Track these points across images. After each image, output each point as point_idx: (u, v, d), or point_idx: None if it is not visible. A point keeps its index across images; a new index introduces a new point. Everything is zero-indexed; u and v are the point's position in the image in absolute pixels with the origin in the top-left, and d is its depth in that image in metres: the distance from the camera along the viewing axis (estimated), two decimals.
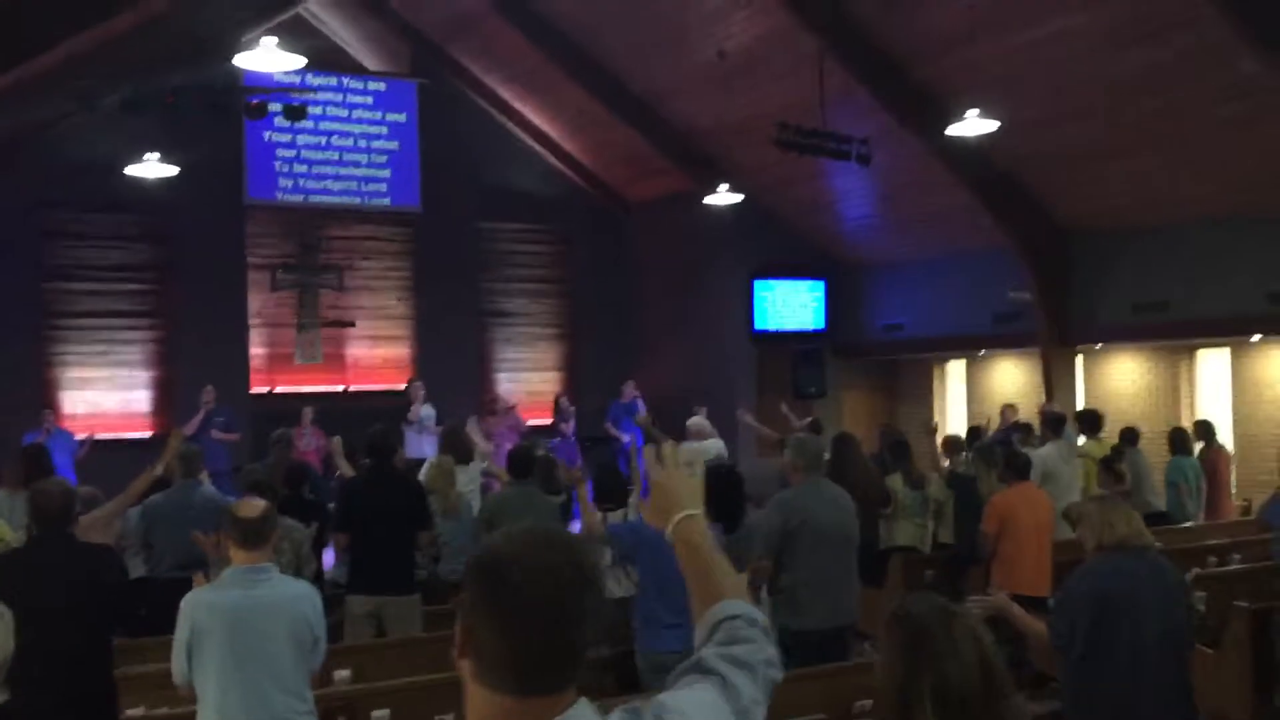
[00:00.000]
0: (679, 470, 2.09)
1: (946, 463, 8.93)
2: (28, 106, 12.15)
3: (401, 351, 16.30)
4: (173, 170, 12.69)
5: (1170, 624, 4.13)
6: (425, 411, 13.40)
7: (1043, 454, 8.88)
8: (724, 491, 5.23)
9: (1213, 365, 13.27)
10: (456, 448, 8.57)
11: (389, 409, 13.12)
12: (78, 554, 4.64)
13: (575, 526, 7.34)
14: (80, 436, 12.18)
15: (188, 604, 4.16)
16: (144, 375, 14.65)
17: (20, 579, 4.36)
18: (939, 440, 9.69)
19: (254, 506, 4.32)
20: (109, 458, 11.58)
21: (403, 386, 14.65)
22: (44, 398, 13.65)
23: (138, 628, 5.40)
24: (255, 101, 11.03)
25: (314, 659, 4.35)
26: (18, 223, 13.62)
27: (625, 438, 14.03)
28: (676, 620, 5.11)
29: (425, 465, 8.57)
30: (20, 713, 3.34)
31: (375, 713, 5.02)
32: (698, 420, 10.58)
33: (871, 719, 5.05)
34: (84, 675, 4.43)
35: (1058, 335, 13.15)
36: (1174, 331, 12.39)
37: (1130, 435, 9.99)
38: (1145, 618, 4.06)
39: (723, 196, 14.03)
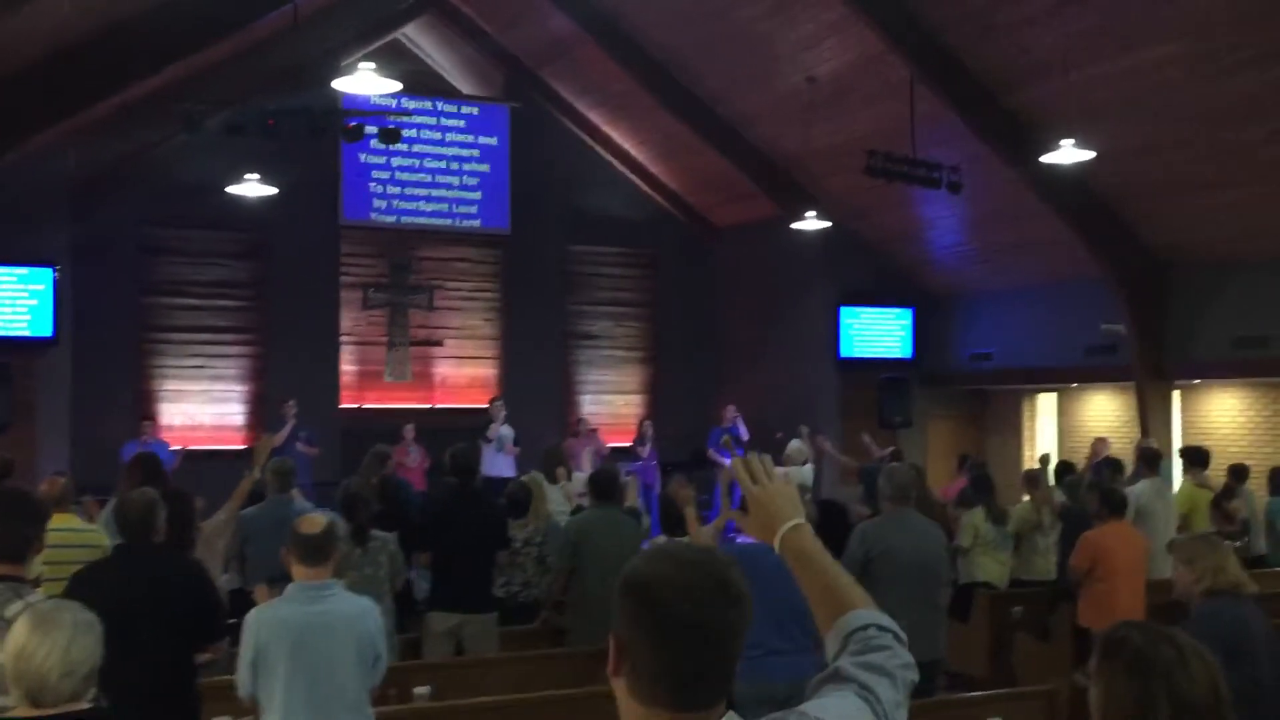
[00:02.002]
0: (774, 481, 2.08)
1: (1056, 494, 8.75)
2: (134, 128, 12.62)
3: (488, 371, 16.49)
4: (272, 190, 13.04)
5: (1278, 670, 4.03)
6: (504, 431, 13.51)
7: (1137, 491, 8.65)
8: (829, 525, 5.23)
9: None
10: (551, 467, 8.64)
11: (474, 427, 13.28)
12: (164, 565, 4.67)
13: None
14: (175, 448, 12.51)
15: (252, 620, 4.20)
16: (238, 389, 15.03)
17: (103, 589, 4.44)
18: (1030, 473, 9.48)
19: (316, 523, 4.34)
20: (204, 469, 11.89)
21: (487, 405, 14.80)
22: (142, 409, 14.06)
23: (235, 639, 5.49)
24: (352, 124, 11.27)
25: (375, 675, 4.36)
26: (122, 239, 14.12)
27: (726, 461, 13.98)
28: (784, 646, 5.06)
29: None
30: None
31: None
32: (797, 444, 10.51)
33: None
34: (165, 686, 4.44)
35: (1153, 369, 12.81)
36: (1276, 368, 11.99)
37: (1240, 472, 9.67)
38: (1258, 663, 3.95)
39: (810, 223, 13.96)
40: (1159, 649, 2.18)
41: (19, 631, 2.81)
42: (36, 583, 5.26)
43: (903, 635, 1.90)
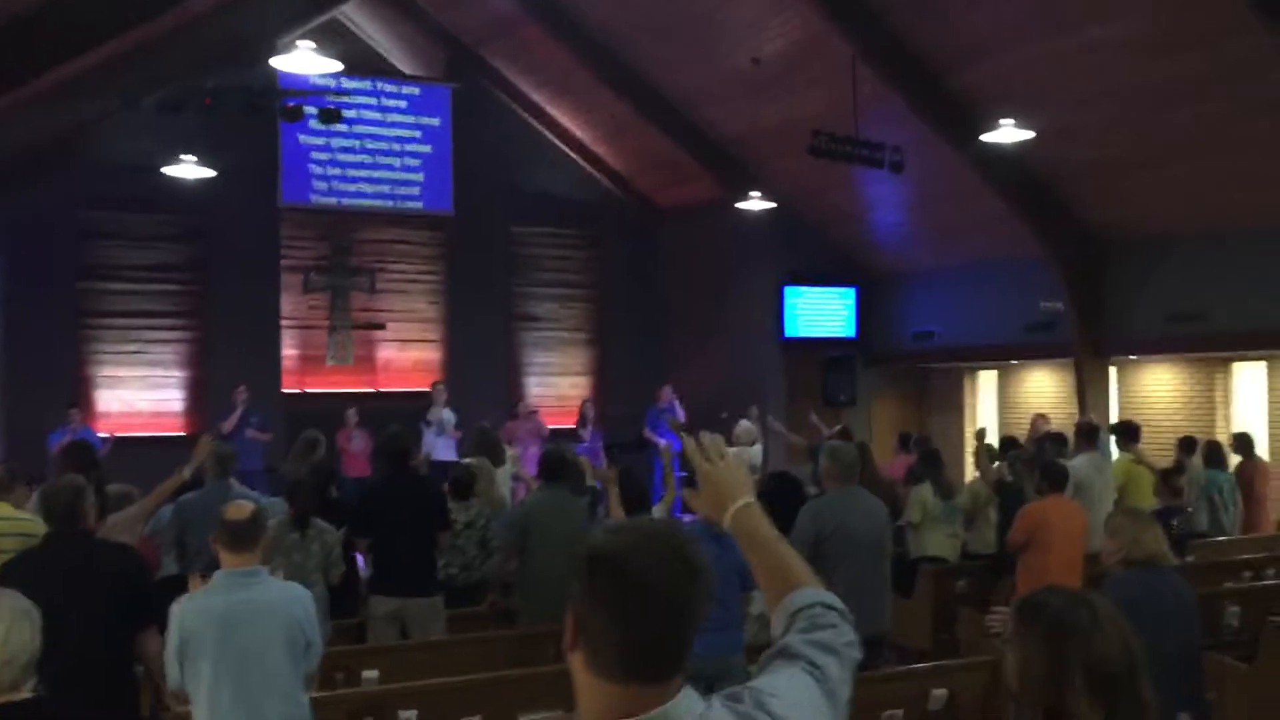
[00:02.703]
0: (725, 461, 2.09)
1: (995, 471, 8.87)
2: (69, 106, 12.31)
3: (431, 355, 16.37)
4: (210, 172, 12.81)
5: (1187, 640, 4.21)
6: (445, 414, 13.44)
7: (1076, 465, 8.80)
8: (783, 497, 5.29)
9: (1250, 378, 13.12)
10: (489, 450, 8.60)
11: (418, 411, 13.20)
12: (91, 553, 4.59)
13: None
14: (103, 435, 12.27)
15: (177, 610, 4.13)
16: (177, 375, 14.79)
17: (31, 579, 4.36)
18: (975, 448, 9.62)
19: (243, 509, 4.29)
20: (141, 456, 11.69)
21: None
22: (77, 396, 13.79)
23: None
24: (291, 104, 11.10)
25: (307, 662, 4.31)
26: (56, 221, 13.80)
27: (663, 442, 14.04)
28: (707, 624, 5.06)
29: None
30: (64, 712, 3.36)
31: (403, 713, 5.03)
32: (746, 425, 10.55)
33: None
34: (101, 674, 4.38)
35: (1091, 346, 13.04)
36: (1210, 343, 12.26)
37: (1189, 445, 9.86)
38: (1165, 632, 4.07)
39: (755, 203, 14.01)
40: (1075, 613, 2.21)
41: None
42: None
43: (848, 614, 1.93)
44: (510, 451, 10.11)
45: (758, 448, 10.22)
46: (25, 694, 2.76)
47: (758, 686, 1.76)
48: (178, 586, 6.19)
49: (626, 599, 1.61)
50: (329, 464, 8.92)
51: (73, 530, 4.57)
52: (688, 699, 1.65)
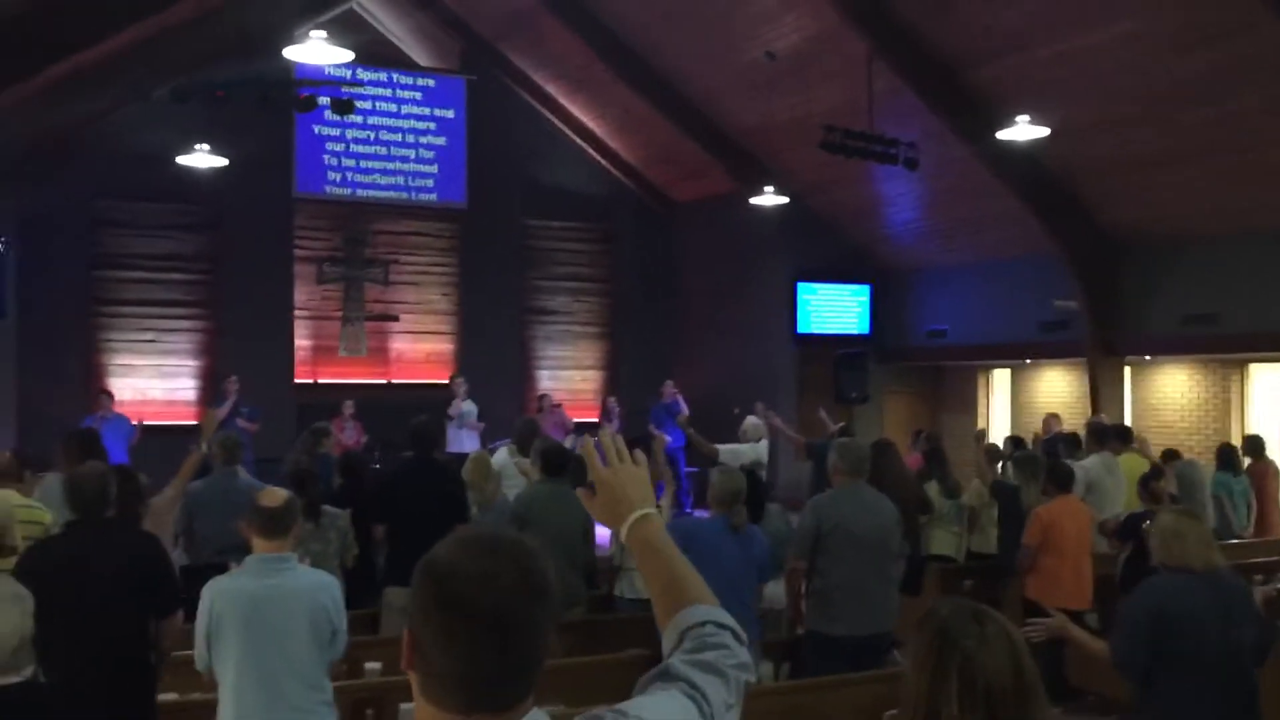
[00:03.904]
0: (626, 465, 1.97)
1: (996, 471, 8.83)
2: (83, 97, 12.35)
3: (444, 346, 16.38)
4: (223, 161, 12.83)
5: (1233, 647, 4.04)
6: (466, 407, 13.47)
7: (1087, 465, 8.76)
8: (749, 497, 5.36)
9: (1265, 380, 13.03)
10: (527, 441, 8.56)
11: (431, 403, 13.18)
12: (116, 539, 4.64)
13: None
14: (134, 423, 12.32)
15: (208, 591, 4.17)
16: (190, 364, 14.83)
17: (57, 565, 4.39)
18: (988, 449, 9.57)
19: (276, 496, 4.33)
20: (154, 444, 11.76)
21: (444, 381, 14.73)
22: (91, 384, 13.85)
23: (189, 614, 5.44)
24: (305, 95, 11.10)
25: (333, 650, 4.34)
26: (71, 211, 13.86)
27: (668, 439, 14.05)
28: (751, 616, 5.09)
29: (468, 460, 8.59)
30: (58, 697, 3.37)
31: (403, 706, 5.04)
32: (753, 420, 10.52)
33: None
34: (122, 659, 4.43)
35: (1105, 345, 12.96)
36: (1225, 345, 12.17)
37: (1171, 455, 9.83)
38: (1204, 640, 3.99)
39: (768, 198, 13.96)
40: (961, 624, 2.12)
41: None
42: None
43: (742, 634, 1.83)
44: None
45: (764, 443, 10.17)
46: (15, 678, 2.76)
47: (624, 708, 1.62)
48: (191, 576, 6.24)
49: (456, 622, 1.45)
50: (357, 454, 8.93)
51: (98, 517, 4.59)
52: None
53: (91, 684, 4.26)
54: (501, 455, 8.60)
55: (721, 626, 1.80)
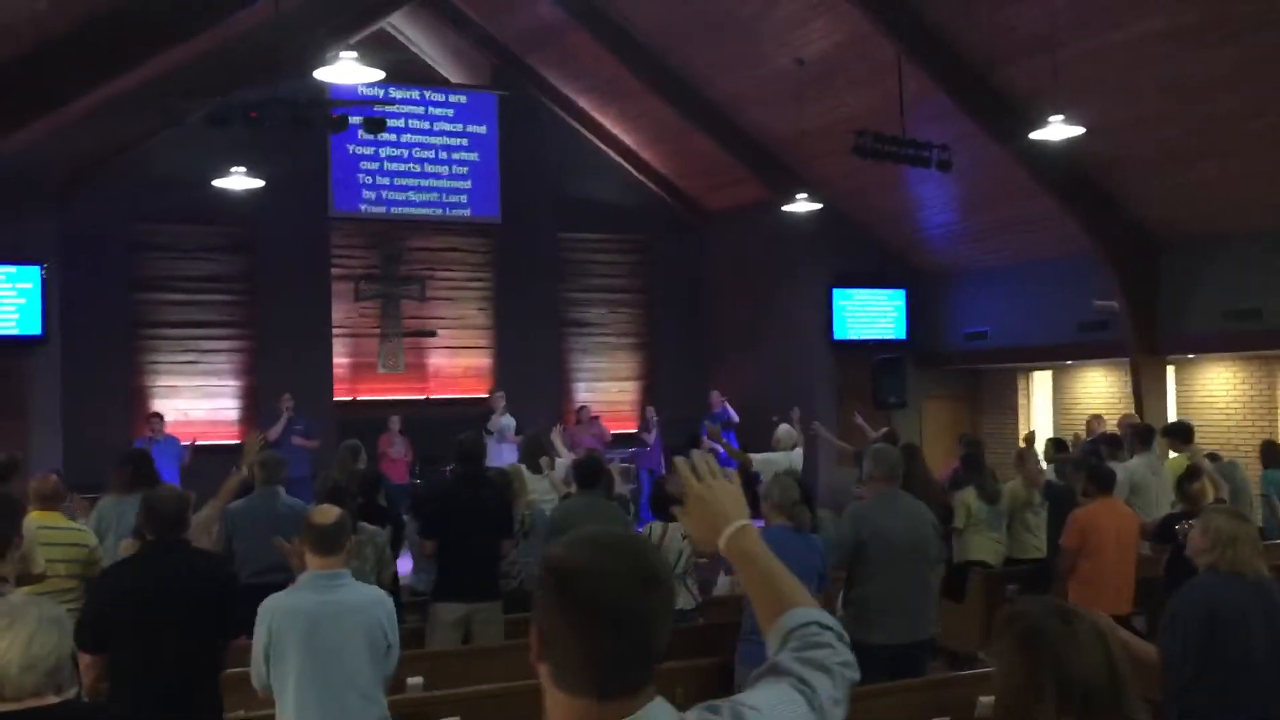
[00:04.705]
0: (720, 480, 2.04)
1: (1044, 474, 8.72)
2: (119, 122, 12.54)
3: (482, 361, 16.46)
4: (259, 183, 12.97)
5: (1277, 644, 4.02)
6: (505, 421, 13.52)
7: (1130, 467, 8.65)
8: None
9: None
10: (534, 456, 8.61)
11: (469, 417, 13.24)
12: (193, 561, 4.69)
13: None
14: (185, 443, 12.47)
15: (265, 609, 4.22)
16: (231, 384, 15.01)
17: (137, 586, 4.45)
18: (1020, 451, 9.47)
19: (329, 513, 4.37)
20: (198, 463, 11.89)
21: (483, 395, 14.81)
22: (135, 406, 14.03)
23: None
24: (337, 115, 11.20)
25: (387, 664, 4.38)
26: (110, 235, 14.07)
27: (718, 448, 14.05)
28: None
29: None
30: (104, 717, 3.41)
31: None
32: (786, 428, 10.49)
33: None
34: (194, 681, 4.48)
35: (1146, 345, 12.79)
36: (1269, 341, 11.97)
37: (1211, 458, 9.68)
38: (1251, 644, 3.94)
39: (801, 205, 13.92)
40: (1050, 623, 2.13)
41: None
42: (41, 577, 5.26)
43: (844, 634, 1.89)
44: (566, 457, 10.10)
45: (799, 451, 10.13)
46: (50, 699, 2.80)
47: (740, 699, 1.73)
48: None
49: (584, 616, 1.59)
50: (376, 471, 8.98)
51: (175, 539, 4.66)
52: (658, 709, 1.62)
53: (161, 704, 4.30)
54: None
55: (825, 627, 1.88)
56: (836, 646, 1.86)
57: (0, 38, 8.49)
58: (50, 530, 5.72)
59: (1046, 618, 2.14)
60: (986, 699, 5.23)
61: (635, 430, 15.32)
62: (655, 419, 15.08)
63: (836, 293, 15.65)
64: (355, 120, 12.21)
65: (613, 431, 14.87)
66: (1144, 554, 7.39)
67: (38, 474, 6.81)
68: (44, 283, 12.52)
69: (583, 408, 15.22)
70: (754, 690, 1.76)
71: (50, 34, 8.68)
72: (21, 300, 12.43)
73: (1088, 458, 8.48)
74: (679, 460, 2.08)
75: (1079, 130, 10.33)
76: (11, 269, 12.37)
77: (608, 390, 17.25)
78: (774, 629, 1.89)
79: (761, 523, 5.64)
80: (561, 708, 1.62)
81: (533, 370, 16.07)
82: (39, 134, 10.74)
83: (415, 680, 5.79)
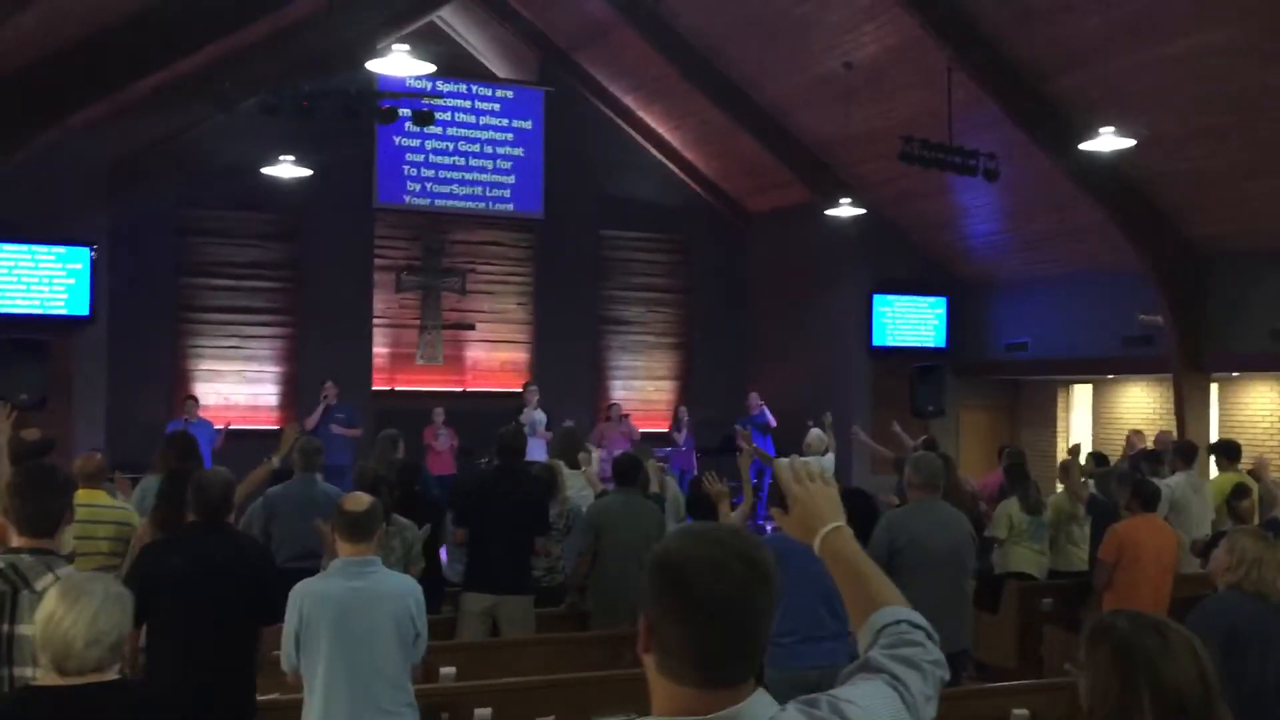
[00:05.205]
0: (817, 484, 2.12)
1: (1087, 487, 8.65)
2: (171, 109, 12.70)
3: (519, 355, 16.52)
4: (306, 172, 13.10)
5: None
6: (536, 415, 13.55)
7: (1172, 484, 8.56)
8: (857, 513, 5.28)
9: None
10: (571, 451, 8.63)
11: (505, 411, 13.30)
12: (234, 545, 4.74)
13: None
14: (218, 427, 12.61)
15: (296, 594, 4.27)
16: (272, 370, 15.15)
17: (177, 565, 4.50)
18: (1064, 464, 9.38)
19: (360, 500, 4.41)
20: (236, 448, 12.00)
21: (518, 390, 14.85)
22: (177, 388, 14.20)
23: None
24: (387, 106, 11.29)
25: (415, 653, 4.41)
26: (158, 219, 14.26)
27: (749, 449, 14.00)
28: (817, 632, 5.07)
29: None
30: (168, 697, 3.45)
31: (478, 711, 5.08)
32: (817, 433, 10.47)
33: None
34: (230, 663, 4.52)
35: (1191, 361, 12.63)
36: None
37: (1252, 473, 9.55)
38: (1270, 661, 3.91)
39: (844, 209, 13.87)
40: (1143, 637, 2.15)
41: (50, 600, 2.85)
42: (70, 557, 5.33)
43: (934, 634, 1.94)
44: (595, 453, 10.12)
45: (830, 457, 10.10)
46: (111, 675, 2.84)
47: (836, 694, 1.77)
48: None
49: (693, 607, 1.64)
50: (415, 461, 9.02)
51: (220, 521, 4.72)
52: (760, 702, 1.67)
53: (197, 684, 4.35)
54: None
55: (915, 626, 1.94)
56: (927, 645, 1.91)
57: (61, 22, 8.61)
58: (95, 508, 5.80)
59: (1142, 630, 2.16)
60: (1021, 712, 5.20)
61: (667, 430, 15.31)
62: (687, 419, 15.07)
63: (877, 299, 15.57)
64: (404, 112, 12.29)
65: (643, 431, 14.86)
66: (1186, 572, 7.31)
67: (83, 453, 6.93)
68: (93, 264, 12.70)
69: (613, 405, 15.25)
70: (849, 686, 1.81)
71: (110, 19, 8.81)
72: (71, 281, 12.60)
73: (1132, 472, 8.40)
74: (779, 463, 2.16)
75: (1130, 142, 10.24)
76: (61, 249, 12.55)
77: (644, 389, 17.26)
78: (865, 626, 1.96)
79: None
80: (665, 697, 1.68)
81: (570, 367, 16.12)
82: (94, 118, 10.91)
83: (448, 670, 5.83)
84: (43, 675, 2.82)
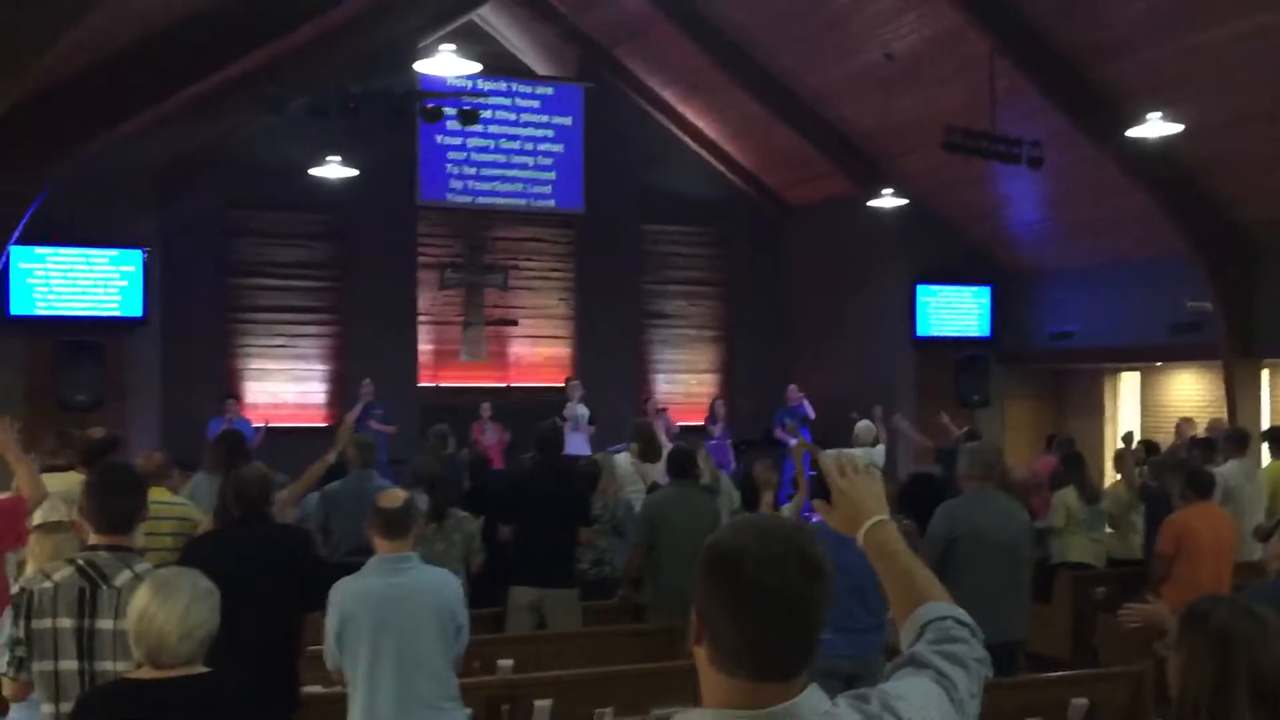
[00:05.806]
0: (861, 476, 2.11)
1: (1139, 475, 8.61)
2: (220, 112, 12.88)
3: (562, 350, 16.60)
4: (353, 172, 13.24)
5: None
6: (579, 410, 13.63)
7: (1225, 472, 8.49)
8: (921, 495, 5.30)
9: None
10: (649, 442, 8.67)
11: (548, 406, 13.39)
12: (276, 537, 4.85)
13: None
14: (257, 425, 12.79)
15: (336, 592, 4.31)
16: (320, 368, 15.32)
17: (220, 560, 4.59)
18: (1120, 452, 9.33)
19: (395, 497, 4.47)
20: (286, 445, 12.15)
21: (562, 384, 14.92)
22: (228, 387, 14.40)
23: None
24: (431, 106, 11.39)
25: (457, 645, 4.45)
26: (207, 221, 14.45)
27: (793, 442, 13.98)
28: (848, 623, 5.11)
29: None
30: (230, 687, 3.54)
31: (538, 702, 5.15)
32: (866, 424, 10.46)
33: None
34: (275, 656, 4.59)
35: (1241, 348, 12.50)
36: None
37: None
38: None
39: (886, 200, 13.83)
40: (1240, 623, 2.17)
41: (142, 595, 2.94)
42: (143, 553, 5.45)
43: (978, 630, 1.94)
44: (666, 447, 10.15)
45: (880, 448, 10.09)
46: (200, 669, 2.93)
47: (886, 689, 1.78)
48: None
49: (746, 600, 1.63)
50: (481, 455, 9.07)
51: (262, 514, 4.82)
52: (812, 696, 1.67)
53: (241, 676, 4.43)
54: (623, 459, 8.70)
55: (960, 623, 1.93)
56: (972, 642, 1.92)
57: (114, 28, 8.76)
58: (159, 505, 5.89)
59: (1237, 617, 2.18)
60: (1079, 701, 5.20)
61: (703, 424, 15.29)
62: (723, 412, 15.07)
63: (920, 289, 15.51)
64: (449, 111, 12.39)
65: (681, 424, 14.87)
66: (1246, 559, 7.27)
67: (143, 451, 7.07)
68: (145, 266, 12.91)
69: (650, 398, 15.28)
70: (898, 681, 1.82)
71: (161, 24, 8.95)
72: (124, 283, 12.82)
73: (1187, 461, 8.35)
74: (824, 456, 2.15)
75: (1177, 128, 10.15)
76: (114, 252, 12.76)
77: (686, 382, 17.29)
78: (910, 621, 1.96)
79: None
80: (717, 690, 1.67)
81: (612, 361, 16.17)
82: (144, 123, 11.08)
83: (506, 663, 5.90)
84: (135, 668, 2.91)
